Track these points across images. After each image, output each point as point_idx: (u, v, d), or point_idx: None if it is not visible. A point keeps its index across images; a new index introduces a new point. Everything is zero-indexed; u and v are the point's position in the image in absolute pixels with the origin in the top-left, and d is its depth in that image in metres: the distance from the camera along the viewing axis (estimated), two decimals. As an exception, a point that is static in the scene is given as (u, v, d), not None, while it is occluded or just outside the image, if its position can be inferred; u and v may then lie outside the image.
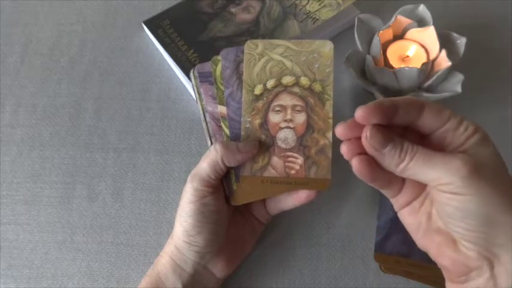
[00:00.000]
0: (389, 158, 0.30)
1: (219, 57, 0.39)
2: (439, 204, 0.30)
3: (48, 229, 0.45)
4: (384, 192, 0.33)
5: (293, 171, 0.36)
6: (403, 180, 0.32)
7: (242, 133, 0.37)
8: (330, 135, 0.36)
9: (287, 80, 0.37)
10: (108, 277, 0.42)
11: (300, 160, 0.36)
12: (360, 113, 0.29)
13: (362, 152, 0.30)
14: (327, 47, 0.37)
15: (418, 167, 0.29)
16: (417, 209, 0.33)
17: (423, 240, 0.32)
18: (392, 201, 0.34)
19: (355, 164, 0.30)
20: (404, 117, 0.30)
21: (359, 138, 0.30)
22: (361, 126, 0.30)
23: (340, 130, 0.31)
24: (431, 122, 0.30)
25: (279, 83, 0.37)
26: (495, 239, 0.28)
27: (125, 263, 0.43)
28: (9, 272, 0.43)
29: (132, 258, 0.43)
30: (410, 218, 0.33)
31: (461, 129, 0.29)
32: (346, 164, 0.31)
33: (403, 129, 0.32)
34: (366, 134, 0.29)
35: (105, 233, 0.44)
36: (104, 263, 0.43)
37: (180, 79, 0.52)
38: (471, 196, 0.27)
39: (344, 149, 0.31)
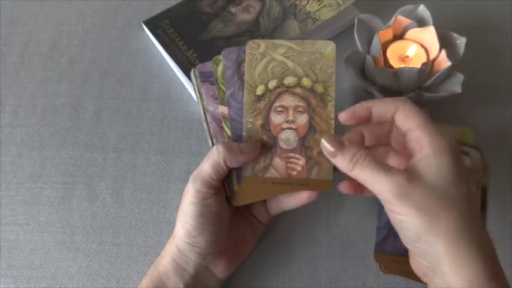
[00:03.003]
0: (342, 163, 0.32)
1: (220, 57, 0.39)
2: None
3: (48, 229, 0.44)
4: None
5: (295, 172, 0.36)
6: None
7: (244, 134, 0.37)
8: None
9: (289, 80, 0.37)
10: (108, 277, 0.42)
11: (302, 161, 0.36)
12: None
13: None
14: (329, 48, 0.37)
15: (366, 178, 0.31)
16: None
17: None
18: None
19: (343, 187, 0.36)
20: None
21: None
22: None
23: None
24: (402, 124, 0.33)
25: (281, 84, 0.37)
26: (426, 258, 0.30)
27: (124, 263, 0.43)
28: (9, 272, 0.43)
29: (132, 258, 0.43)
30: None
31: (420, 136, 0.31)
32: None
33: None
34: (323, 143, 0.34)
35: (105, 233, 0.44)
36: (104, 263, 0.43)
37: (180, 79, 0.52)
38: (403, 216, 0.29)
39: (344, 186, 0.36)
